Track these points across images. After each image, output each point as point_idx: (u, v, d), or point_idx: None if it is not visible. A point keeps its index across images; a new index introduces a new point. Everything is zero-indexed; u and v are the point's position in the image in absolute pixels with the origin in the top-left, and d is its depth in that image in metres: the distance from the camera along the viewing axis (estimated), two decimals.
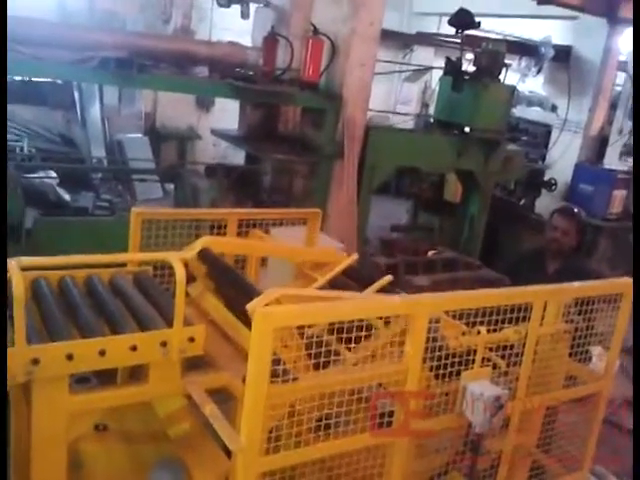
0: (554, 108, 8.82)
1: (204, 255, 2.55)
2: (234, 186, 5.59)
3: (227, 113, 7.89)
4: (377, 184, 5.81)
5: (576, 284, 2.30)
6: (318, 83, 5.41)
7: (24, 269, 1.91)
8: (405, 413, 1.97)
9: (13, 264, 1.86)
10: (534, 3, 7.30)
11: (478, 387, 2.10)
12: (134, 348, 1.94)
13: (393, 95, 12.31)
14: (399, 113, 10.01)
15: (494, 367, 2.24)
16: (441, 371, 2.08)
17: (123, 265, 2.56)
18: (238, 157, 7.67)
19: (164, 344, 1.98)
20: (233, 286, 2.38)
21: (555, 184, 8.12)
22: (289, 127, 5.92)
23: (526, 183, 8.21)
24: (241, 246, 2.92)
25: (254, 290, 2.16)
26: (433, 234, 7.17)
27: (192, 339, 2.03)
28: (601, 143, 8.31)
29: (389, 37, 8.59)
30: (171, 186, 7.87)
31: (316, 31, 5.33)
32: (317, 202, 5.17)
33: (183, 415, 2.30)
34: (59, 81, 9.16)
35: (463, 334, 2.15)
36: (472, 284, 2.08)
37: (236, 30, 8.25)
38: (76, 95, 9.39)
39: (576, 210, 3.81)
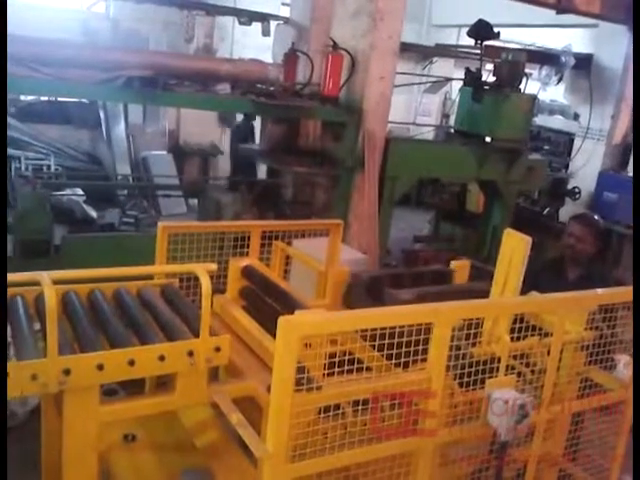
0: (576, 116, 8.76)
1: (249, 270, 2.64)
2: (257, 200, 5.65)
3: None
4: (398, 195, 5.83)
5: (599, 291, 2.29)
6: (338, 97, 5.47)
7: (55, 282, 1.96)
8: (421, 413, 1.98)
9: (45, 277, 1.92)
10: (553, 12, 7.29)
11: (503, 395, 2.10)
12: (162, 358, 1.98)
13: (413, 107, 12.33)
14: (419, 124, 10.02)
15: (519, 375, 2.24)
16: (465, 379, 2.09)
17: (150, 278, 2.61)
18: (260, 172, 7.76)
19: (191, 354, 2.03)
20: (280, 300, 2.44)
21: (579, 192, 8.05)
22: (310, 141, 5.98)
23: (550, 192, 8.15)
24: None
25: (302, 305, 2.22)
26: (455, 244, 7.14)
27: (218, 349, 2.07)
28: (624, 150, 8.23)
29: (408, 49, 8.64)
30: (195, 201, 7.99)
31: (335, 46, 5.39)
32: (338, 214, 5.20)
33: (210, 424, 2.33)
34: (85, 101, 9.36)
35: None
36: (461, 297, 2.07)
37: (257, 47, 8.39)
38: (101, 114, 9.57)
39: (593, 217, 3.81)
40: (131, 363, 1.94)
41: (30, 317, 2.16)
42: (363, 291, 2.46)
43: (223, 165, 10.24)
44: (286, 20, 6.82)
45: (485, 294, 2.36)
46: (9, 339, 2.02)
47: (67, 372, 1.86)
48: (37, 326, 2.14)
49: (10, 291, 2.25)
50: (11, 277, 1.97)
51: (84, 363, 1.89)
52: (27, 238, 4.77)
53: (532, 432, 2.31)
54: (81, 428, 1.96)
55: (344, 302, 2.52)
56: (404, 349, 1.92)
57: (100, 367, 1.89)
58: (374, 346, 1.96)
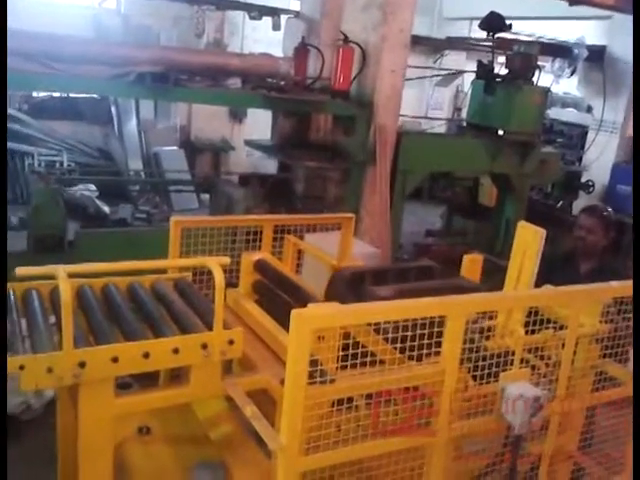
0: (589, 109, 8.70)
1: (261, 264, 2.65)
2: (268, 195, 5.66)
3: (259, 124, 8.00)
4: (410, 189, 5.82)
5: (613, 283, 2.27)
6: (349, 91, 5.45)
7: (70, 276, 1.97)
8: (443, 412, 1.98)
9: (60, 271, 1.93)
10: (566, 4, 7.22)
11: (517, 388, 2.09)
12: (176, 351, 1.99)
13: (424, 100, 12.29)
14: (431, 118, 9.99)
15: (533, 368, 2.23)
16: (479, 372, 2.08)
17: (163, 272, 2.63)
18: (271, 167, 7.77)
19: (205, 346, 2.03)
20: (292, 294, 2.45)
21: (592, 186, 8.00)
22: (321, 135, 5.98)
23: (563, 185, 8.11)
24: None
25: (315, 299, 2.22)
26: (468, 238, 7.12)
27: (232, 342, 2.08)
28: None
29: (420, 42, 8.61)
30: (206, 196, 8.02)
31: (346, 39, 5.37)
32: (350, 208, 5.19)
33: (224, 417, 2.34)
34: (96, 97, 9.41)
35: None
36: (444, 293, 2.04)
37: (267, 41, 8.39)
38: (113, 110, 9.62)
39: (602, 209, 3.78)
40: (146, 356, 1.95)
41: (45, 310, 2.18)
42: (344, 286, 2.43)
43: (235, 160, 10.27)
44: (296, 14, 6.80)
45: (472, 290, 2.33)
46: (24, 333, 2.04)
47: (82, 365, 1.87)
48: (52, 320, 2.16)
49: (25, 285, 2.28)
50: (26, 270, 1.98)
51: (99, 356, 1.90)
52: (41, 233, 4.80)
53: (546, 426, 2.30)
54: (96, 421, 1.98)
55: (325, 297, 2.50)
56: (417, 342, 1.91)
57: (115, 360, 1.90)
58: (387, 339, 1.96)
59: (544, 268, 2.51)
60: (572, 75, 8.70)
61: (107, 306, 2.28)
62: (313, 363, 1.75)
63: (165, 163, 9.48)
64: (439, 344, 1.95)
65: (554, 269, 3.48)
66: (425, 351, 1.94)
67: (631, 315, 2.36)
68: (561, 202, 8.17)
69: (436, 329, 1.93)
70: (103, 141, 9.72)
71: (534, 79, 6.31)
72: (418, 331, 1.90)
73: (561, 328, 2.26)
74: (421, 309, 1.91)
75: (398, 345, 1.91)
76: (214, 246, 2.97)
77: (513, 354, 2.16)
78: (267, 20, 7.46)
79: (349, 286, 2.42)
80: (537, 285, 2.46)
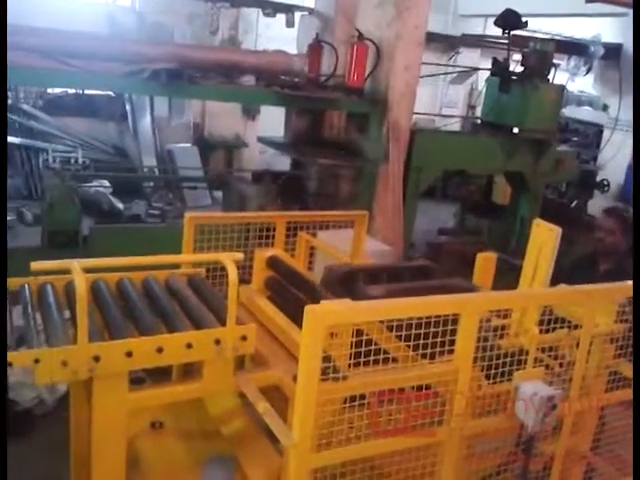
0: (605, 107, 8.62)
1: (274, 261, 2.66)
2: (281, 192, 5.66)
3: (273, 121, 8.01)
4: (423, 187, 5.80)
5: (628, 283, 2.25)
6: (363, 88, 5.44)
7: (85, 271, 1.98)
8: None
9: (75, 265, 1.94)
10: (582, 1, 7.16)
11: (531, 387, 2.08)
12: (190, 346, 2.00)
13: (438, 98, 12.24)
14: (445, 115, 9.94)
15: (547, 368, 2.21)
16: (492, 371, 2.07)
17: (177, 268, 2.64)
18: (284, 164, 7.76)
19: (218, 342, 2.04)
20: (305, 291, 2.46)
21: (608, 185, 7.93)
22: (334, 132, 5.97)
23: (578, 184, 8.04)
24: None
25: (327, 296, 2.22)
26: (482, 237, 7.09)
27: (244, 338, 2.09)
28: None
29: (434, 40, 8.57)
30: (219, 193, 8.04)
31: (361, 36, 5.36)
32: (363, 206, 5.18)
33: (236, 413, 2.35)
34: (111, 94, 9.46)
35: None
36: (435, 293, 2.03)
37: (281, 38, 8.38)
38: (128, 107, 9.67)
39: (623, 210, 3.77)
40: (159, 350, 1.95)
41: (60, 305, 2.19)
42: (336, 285, 2.43)
43: (248, 157, 10.29)
44: (311, 11, 6.80)
45: (461, 290, 2.31)
46: (39, 327, 2.05)
47: (97, 359, 1.88)
48: (66, 315, 2.17)
49: (40, 279, 2.29)
50: (41, 265, 2.00)
51: (113, 350, 1.91)
52: (55, 229, 4.85)
53: (559, 426, 2.28)
54: (110, 415, 1.99)
55: None
56: (430, 340, 1.90)
57: (129, 354, 1.91)
58: (400, 337, 1.95)
59: (564, 272, 2.50)
60: (588, 73, 8.63)
61: (122, 301, 2.29)
62: (326, 360, 1.75)
63: (179, 160, 9.52)
64: (451, 342, 1.95)
65: (574, 272, 3.47)
66: (438, 349, 1.94)
67: None
68: (576, 201, 8.11)
69: (450, 327, 1.92)
70: (117, 138, 9.78)
71: (549, 77, 6.26)
72: (432, 329, 1.89)
73: (575, 327, 2.24)
74: (435, 307, 1.90)
75: (411, 343, 1.90)
76: (227, 242, 2.98)
77: (527, 353, 2.15)
78: (281, 17, 7.45)
79: (341, 284, 2.41)
80: (552, 284, 2.44)
